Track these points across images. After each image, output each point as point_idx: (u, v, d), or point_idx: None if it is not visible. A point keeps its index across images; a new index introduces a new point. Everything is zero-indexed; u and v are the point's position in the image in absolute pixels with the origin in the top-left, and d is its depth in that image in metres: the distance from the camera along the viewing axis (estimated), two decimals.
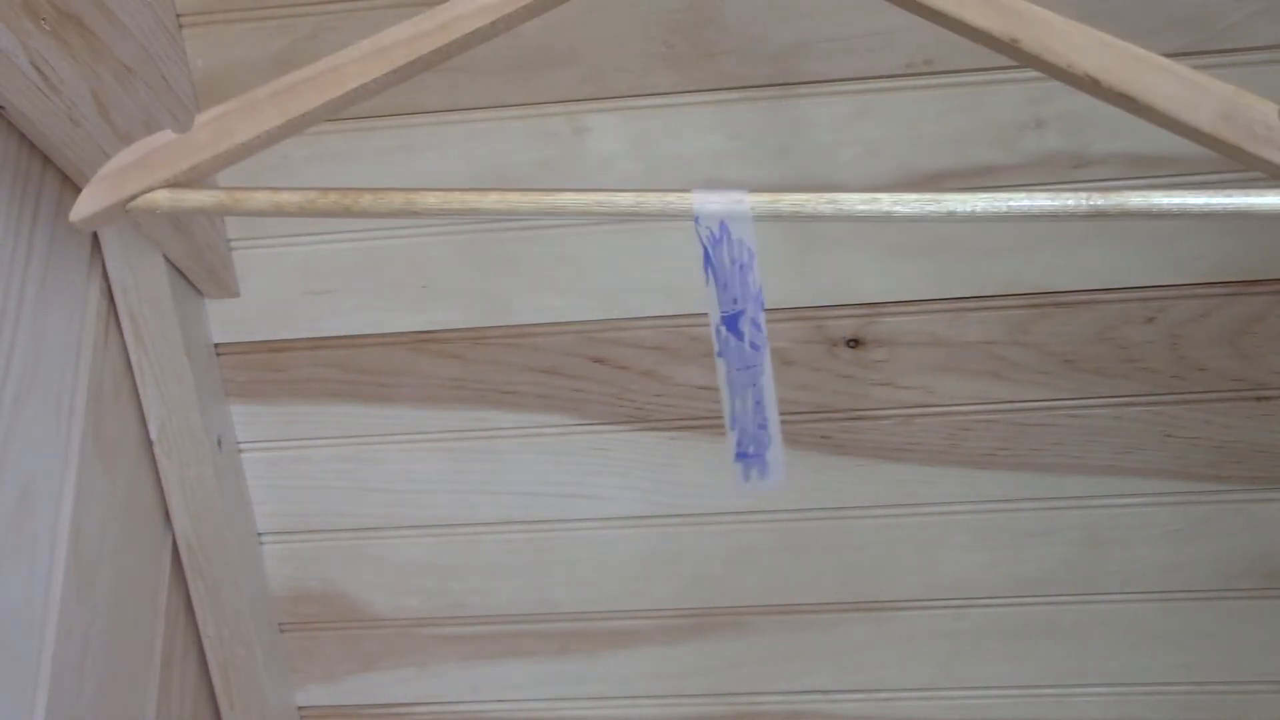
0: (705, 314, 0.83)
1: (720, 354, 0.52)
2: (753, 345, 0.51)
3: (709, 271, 0.50)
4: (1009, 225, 0.79)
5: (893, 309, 0.82)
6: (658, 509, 0.90)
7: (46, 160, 0.70)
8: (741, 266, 0.50)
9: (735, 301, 0.51)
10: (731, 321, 0.51)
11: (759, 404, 0.52)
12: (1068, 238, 0.79)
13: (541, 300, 0.83)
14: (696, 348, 0.84)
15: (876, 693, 0.97)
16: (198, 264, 0.79)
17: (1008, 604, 0.92)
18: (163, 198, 0.51)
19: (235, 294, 0.84)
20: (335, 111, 0.52)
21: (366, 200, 0.51)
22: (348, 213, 0.51)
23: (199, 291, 0.83)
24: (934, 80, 0.75)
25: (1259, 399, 0.84)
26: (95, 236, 0.76)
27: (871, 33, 0.73)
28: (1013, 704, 0.97)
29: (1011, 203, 0.49)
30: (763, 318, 0.51)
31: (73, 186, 0.73)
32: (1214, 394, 0.84)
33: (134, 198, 0.51)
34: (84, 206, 0.52)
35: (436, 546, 0.93)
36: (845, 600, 0.93)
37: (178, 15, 0.75)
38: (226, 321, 0.85)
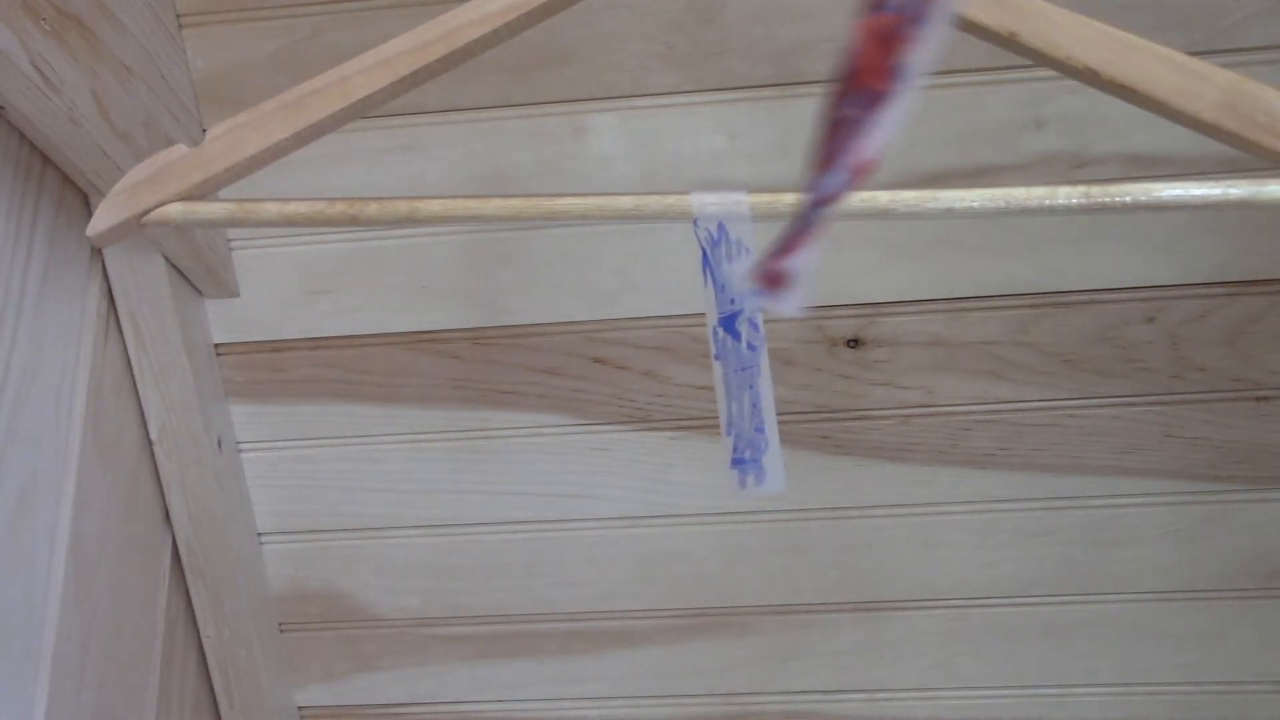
0: (705, 314, 0.83)
1: (717, 356, 0.52)
2: (750, 346, 0.51)
3: (707, 273, 0.50)
4: (1009, 225, 0.79)
5: (893, 309, 0.82)
6: (658, 509, 0.90)
7: (46, 160, 0.70)
8: (739, 267, 0.50)
9: (733, 302, 0.51)
10: (729, 322, 0.51)
11: (756, 407, 0.52)
12: (1068, 238, 0.79)
13: (541, 300, 0.83)
14: (696, 348, 0.84)
15: (876, 693, 0.97)
16: (198, 264, 0.79)
17: (1008, 604, 0.92)
18: (176, 211, 0.53)
19: (235, 294, 0.84)
20: (342, 122, 0.53)
21: (373, 209, 0.52)
22: (354, 222, 0.52)
23: (199, 291, 0.83)
24: (934, 80, 0.75)
25: (1259, 399, 0.84)
26: None
27: None
28: (1013, 704, 0.97)
29: (1010, 198, 0.49)
30: (760, 318, 0.51)
31: (73, 186, 0.73)
32: (1214, 394, 0.84)
33: (148, 212, 0.52)
34: (100, 222, 0.53)
35: (436, 546, 0.93)
36: (845, 600, 0.93)
37: (178, 15, 0.75)
38: (226, 321, 0.85)
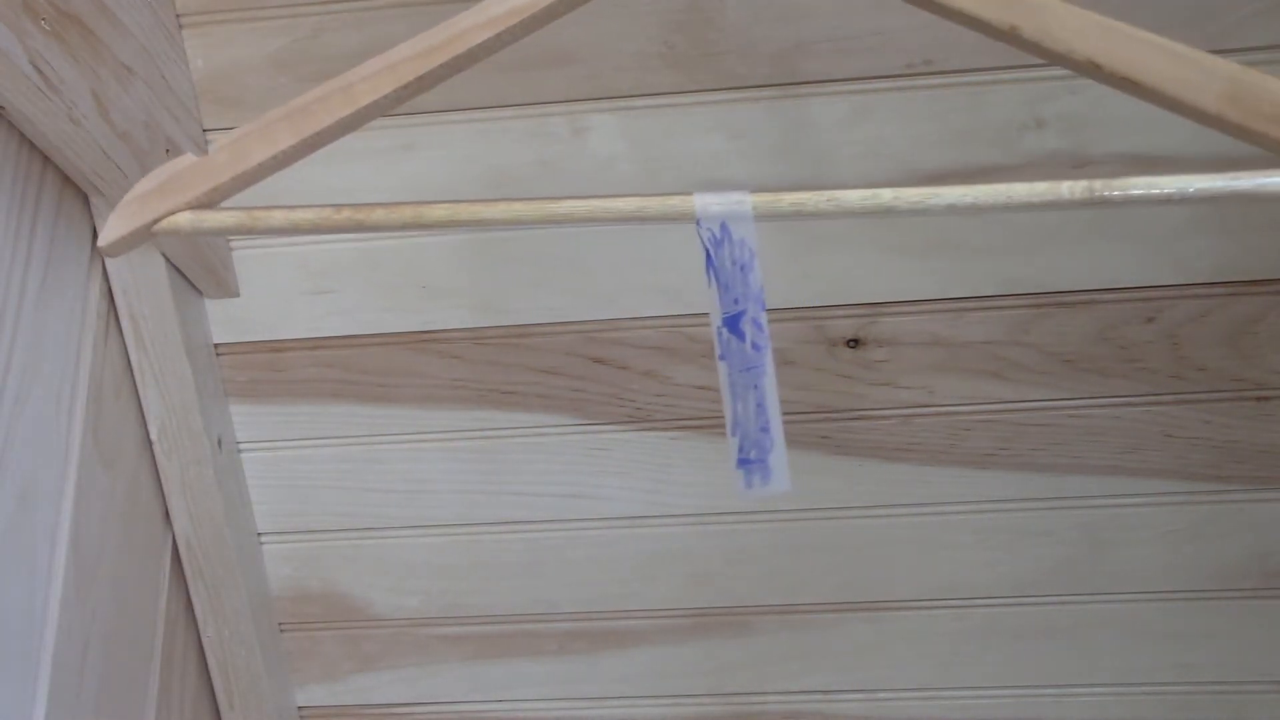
0: (705, 314, 0.83)
1: (722, 357, 0.52)
2: (754, 346, 0.51)
3: (711, 274, 0.50)
4: (1009, 225, 0.79)
5: (893, 309, 0.82)
6: (658, 509, 0.90)
7: (46, 160, 0.70)
8: (743, 267, 0.50)
9: (736, 302, 0.51)
10: (733, 322, 0.51)
11: (760, 407, 0.52)
12: (1068, 237, 0.79)
13: (541, 300, 0.83)
14: (696, 348, 0.84)
15: (876, 693, 0.97)
16: (198, 264, 0.79)
17: (1008, 604, 0.93)
18: (185, 220, 0.53)
19: (235, 294, 0.84)
20: (349, 129, 0.53)
21: (378, 215, 0.52)
22: (360, 227, 0.53)
23: (199, 291, 0.83)
24: (934, 80, 0.75)
25: (1259, 399, 0.84)
26: (95, 237, 0.76)
27: (871, 33, 0.73)
28: (1013, 704, 0.97)
29: (1012, 194, 0.49)
30: (764, 318, 0.51)
31: (73, 186, 0.73)
32: (1214, 394, 0.84)
33: (158, 221, 0.53)
34: (111, 232, 0.54)
35: (436, 546, 0.93)
36: (845, 600, 0.93)
37: (178, 15, 0.75)
38: (226, 321, 0.85)
